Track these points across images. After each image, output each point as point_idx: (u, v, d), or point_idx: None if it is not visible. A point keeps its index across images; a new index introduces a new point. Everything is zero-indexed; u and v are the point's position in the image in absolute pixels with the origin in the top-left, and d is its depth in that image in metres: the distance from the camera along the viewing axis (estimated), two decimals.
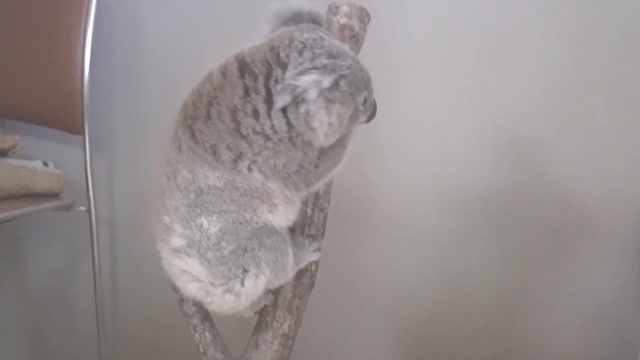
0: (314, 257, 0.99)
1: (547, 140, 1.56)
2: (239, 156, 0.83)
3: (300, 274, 0.98)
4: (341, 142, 0.90)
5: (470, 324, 1.66)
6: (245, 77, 0.81)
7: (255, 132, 0.81)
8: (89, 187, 1.66)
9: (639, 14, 1.49)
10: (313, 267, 1.00)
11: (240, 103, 0.81)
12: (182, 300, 0.97)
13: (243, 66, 0.82)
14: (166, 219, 0.87)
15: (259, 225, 0.87)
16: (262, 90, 0.80)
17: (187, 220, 0.86)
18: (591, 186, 1.55)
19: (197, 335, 1.00)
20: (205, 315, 1.00)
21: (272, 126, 0.81)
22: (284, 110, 0.80)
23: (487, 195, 1.61)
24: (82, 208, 1.66)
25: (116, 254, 1.80)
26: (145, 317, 1.81)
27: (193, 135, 0.84)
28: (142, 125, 1.75)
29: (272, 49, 0.81)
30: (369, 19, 0.99)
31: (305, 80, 0.77)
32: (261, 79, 0.80)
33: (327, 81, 0.78)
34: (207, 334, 1.00)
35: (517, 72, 1.57)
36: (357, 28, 0.97)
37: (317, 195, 0.98)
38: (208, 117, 0.83)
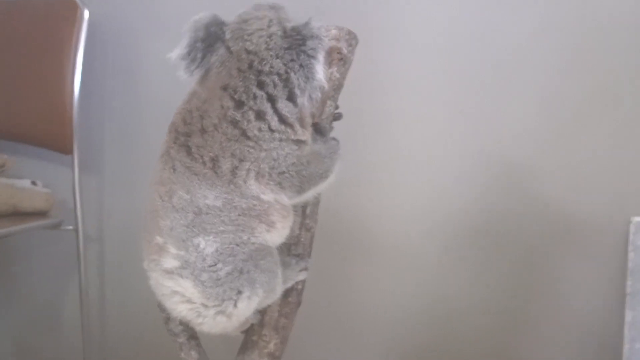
0: (300, 276, 1.00)
1: (534, 166, 1.58)
2: (241, 161, 0.84)
3: (286, 293, 0.99)
4: (329, 153, 0.92)
5: (461, 345, 1.66)
6: (229, 89, 0.84)
7: (261, 130, 0.85)
8: (76, 206, 1.66)
9: (631, 43, 1.52)
10: (300, 286, 1.01)
11: (239, 114, 0.84)
12: (168, 319, 0.97)
13: (223, 83, 0.85)
14: (159, 240, 0.88)
15: (255, 247, 0.88)
16: (261, 93, 0.85)
17: (183, 241, 0.86)
18: (577, 209, 1.57)
19: (183, 354, 1.00)
20: (192, 334, 1.00)
21: (281, 117, 0.86)
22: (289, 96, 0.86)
23: (477, 220, 1.61)
24: (70, 227, 1.66)
25: (104, 272, 1.80)
26: (132, 336, 1.80)
27: (189, 152, 0.86)
28: (131, 145, 1.75)
29: (250, 65, 0.85)
30: (356, 43, 1.01)
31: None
32: (253, 85, 0.84)
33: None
34: (193, 352, 0.99)
35: (506, 100, 1.58)
36: (344, 51, 0.99)
37: (304, 215, 0.99)
38: (204, 130, 0.85)
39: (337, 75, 0.99)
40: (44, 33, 1.63)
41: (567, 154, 1.56)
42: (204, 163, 0.85)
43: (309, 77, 0.86)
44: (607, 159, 1.55)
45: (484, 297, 1.64)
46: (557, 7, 1.54)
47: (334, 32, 0.99)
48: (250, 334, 1.02)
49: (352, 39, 1.00)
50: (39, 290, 1.84)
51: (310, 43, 0.85)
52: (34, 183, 1.64)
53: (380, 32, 1.59)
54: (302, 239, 1.00)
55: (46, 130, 1.63)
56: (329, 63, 0.95)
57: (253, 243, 0.88)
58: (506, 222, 1.60)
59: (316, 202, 1.00)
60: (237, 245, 0.87)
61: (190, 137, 0.86)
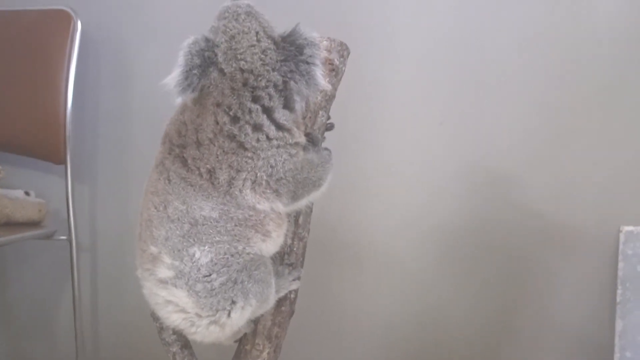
0: (293, 285, 1.00)
1: (524, 175, 1.59)
2: (238, 172, 0.85)
3: (279, 303, 0.99)
4: (322, 162, 0.93)
5: (451, 353, 1.67)
6: (223, 106, 0.85)
7: (259, 141, 0.85)
8: (70, 216, 1.66)
9: (622, 51, 1.54)
10: (292, 296, 1.01)
11: (236, 128, 0.85)
12: (161, 328, 0.97)
13: (215, 101, 0.86)
14: (153, 249, 0.88)
15: (249, 257, 0.88)
16: (256, 107, 0.85)
17: (178, 251, 0.86)
18: (567, 218, 1.58)
19: None
20: (185, 343, 1.00)
21: (278, 125, 0.87)
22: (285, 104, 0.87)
23: (467, 228, 1.62)
24: (63, 237, 1.66)
25: (97, 281, 1.79)
26: (126, 345, 1.79)
27: (184, 164, 0.87)
28: (123, 155, 1.76)
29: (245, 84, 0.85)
30: (348, 54, 1.03)
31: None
32: (248, 100, 0.85)
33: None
34: None
35: (496, 110, 1.60)
36: (336, 62, 1.00)
37: (296, 225, 1.00)
38: (199, 143, 0.86)
39: (329, 86, 1.00)
40: (38, 43, 1.64)
41: (557, 163, 1.58)
42: (201, 175, 0.86)
43: (310, 83, 0.87)
44: (597, 168, 1.56)
45: (474, 305, 1.64)
46: (549, 16, 1.56)
47: (325, 43, 1.00)
48: (244, 343, 1.02)
49: (343, 50, 1.02)
50: (32, 299, 1.83)
51: (307, 51, 0.86)
52: (27, 193, 1.64)
53: (370, 43, 1.61)
54: (295, 249, 1.01)
55: (39, 140, 1.63)
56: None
57: (248, 253, 0.88)
58: (496, 231, 1.61)
59: (308, 211, 1.01)
60: (232, 255, 0.87)
61: (185, 149, 0.87)
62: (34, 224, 1.63)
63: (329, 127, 1.02)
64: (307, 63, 0.86)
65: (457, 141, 1.61)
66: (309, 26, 0.90)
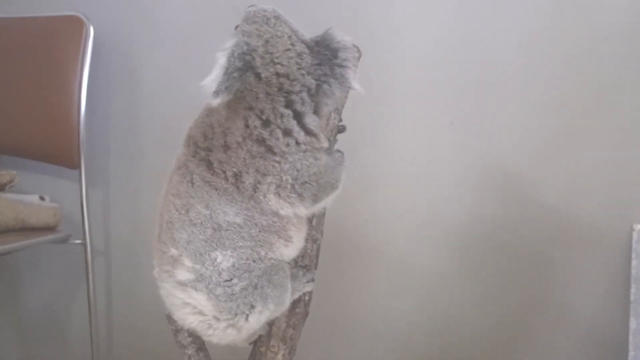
0: (307, 287, 1.01)
1: (536, 173, 1.58)
2: (264, 176, 0.85)
3: (294, 305, 0.99)
4: (336, 164, 0.94)
5: (464, 353, 1.66)
6: (255, 110, 0.85)
7: (289, 145, 0.86)
8: (84, 220, 1.67)
9: (630, 47, 1.53)
10: (307, 297, 1.01)
11: (267, 132, 0.85)
12: (177, 331, 0.98)
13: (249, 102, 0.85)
14: (174, 252, 0.88)
15: (271, 262, 0.89)
16: (288, 112, 0.85)
17: (200, 254, 0.87)
18: (579, 217, 1.57)
19: None
20: (200, 345, 1.00)
21: (307, 131, 0.87)
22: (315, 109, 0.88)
23: (479, 228, 1.62)
24: (78, 241, 1.67)
25: (111, 285, 1.81)
26: (140, 348, 1.80)
27: (210, 167, 0.87)
28: (135, 159, 1.77)
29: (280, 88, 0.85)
30: (360, 56, 1.02)
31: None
32: (281, 105, 0.85)
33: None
34: None
35: (506, 107, 1.59)
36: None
37: (310, 227, 1.00)
38: (227, 147, 0.86)
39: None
40: (51, 49, 1.65)
41: (568, 161, 1.57)
42: (226, 178, 0.86)
43: (344, 85, 0.87)
44: (608, 167, 1.55)
45: (486, 304, 1.64)
46: (553, 14, 1.56)
47: None
48: (259, 345, 1.02)
49: (355, 51, 1.02)
50: (47, 303, 1.85)
51: (341, 54, 0.87)
52: (42, 198, 1.66)
53: (377, 44, 1.61)
54: (309, 251, 1.01)
55: (53, 145, 1.65)
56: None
57: (270, 259, 0.89)
58: (507, 230, 1.61)
59: (321, 213, 1.01)
60: (254, 261, 0.88)
61: (211, 152, 0.87)
62: (48, 229, 1.65)
63: (341, 129, 1.03)
64: (342, 66, 0.86)
65: (467, 140, 1.61)
66: (316, 28, 0.91)
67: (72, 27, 1.64)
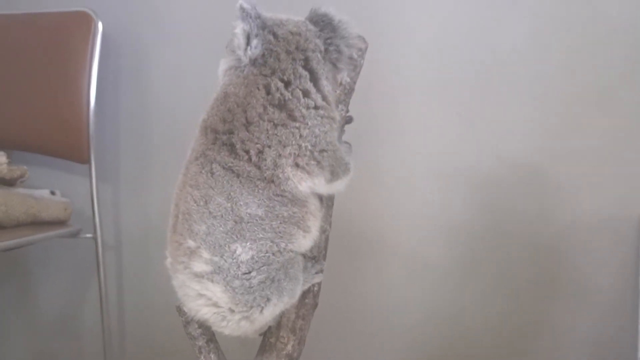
0: (316, 279, 1.01)
1: (542, 167, 1.58)
2: (284, 147, 0.86)
3: (303, 295, 1.00)
4: (346, 151, 0.96)
5: (475, 348, 1.67)
6: (277, 72, 0.88)
7: (308, 108, 0.87)
8: (95, 214, 1.69)
9: (633, 40, 1.53)
10: (316, 288, 1.02)
11: (289, 93, 0.87)
12: (187, 322, 0.98)
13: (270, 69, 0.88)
14: (191, 243, 0.88)
15: (289, 255, 0.90)
16: (305, 73, 0.89)
17: (220, 246, 0.87)
18: (586, 208, 1.57)
19: (202, 357, 1.01)
20: (211, 337, 1.01)
21: (323, 95, 0.90)
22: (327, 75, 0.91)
23: (487, 220, 1.62)
24: (89, 235, 1.69)
25: (122, 279, 1.82)
26: (152, 342, 1.82)
27: (232, 150, 0.87)
28: (144, 154, 1.79)
29: (297, 47, 0.89)
30: (366, 47, 1.03)
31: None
32: (300, 65, 0.89)
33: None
34: (212, 355, 1.00)
35: (511, 101, 1.59)
36: (355, 55, 1.00)
37: None
38: (248, 123, 0.87)
39: (348, 80, 1.00)
40: (60, 45, 1.66)
41: (573, 153, 1.57)
42: (249, 158, 0.86)
43: (350, 43, 0.93)
44: (614, 158, 1.55)
45: (496, 298, 1.64)
46: (560, 7, 1.55)
47: None
48: (268, 336, 1.03)
49: (361, 44, 1.02)
50: (59, 297, 1.87)
51: (337, 18, 0.93)
52: (52, 193, 1.67)
53: (385, 36, 1.61)
54: (318, 242, 1.02)
55: (64, 141, 1.66)
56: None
57: (289, 251, 0.89)
58: (517, 222, 1.61)
59: (330, 204, 1.01)
60: (273, 254, 0.88)
61: (233, 134, 0.87)
62: (59, 223, 1.65)
63: (348, 120, 1.03)
64: (343, 28, 0.92)
65: (475, 133, 1.61)
66: None
67: (81, 23, 1.64)
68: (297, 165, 0.87)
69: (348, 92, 1.01)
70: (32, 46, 1.69)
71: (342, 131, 1.01)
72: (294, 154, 0.86)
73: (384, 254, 1.68)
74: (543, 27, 1.56)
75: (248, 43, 0.87)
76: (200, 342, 1.01)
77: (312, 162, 0.87)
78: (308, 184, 0.88)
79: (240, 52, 0.88)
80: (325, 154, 0.88)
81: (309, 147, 0.87)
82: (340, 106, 1.00)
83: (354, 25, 0.95)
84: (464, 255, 1.65)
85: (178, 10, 1.73)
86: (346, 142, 0.99)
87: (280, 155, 0.86)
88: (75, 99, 1.64)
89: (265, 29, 0.88)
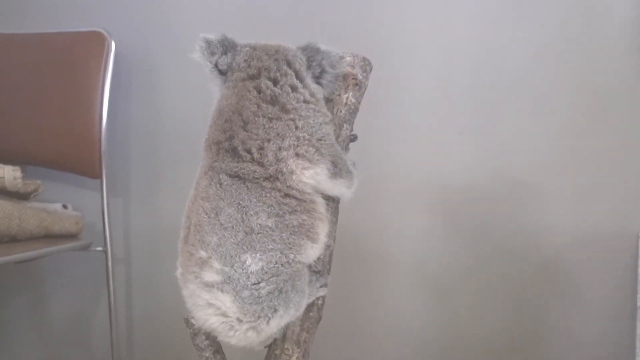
0: (321, 292, 1.02)
1: (541, 181, 1.60)
2: (283, 140, 0.89)
3: (308, 309, 1.01)
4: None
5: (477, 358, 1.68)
6: (263, 72, 0.93)
7: (298, 101, 0.91)
8: (105, 228, 1.71)
9: (631, 67, 1.55)
10: (320, 302, 1.03)
11: (278, 88, 0.92)
12: (195, 334, 0.99)
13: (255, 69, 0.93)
14: (203, 254, 0.90)
15: (297, 267, 0.91)
16: (290, 72, 0.93)
17: (231, 257, 0.88)
18: (586, 225, 1.58)
19: None
20: (217, 348, 1.02)
21: (310, 91, 0.94)
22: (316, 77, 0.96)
23: (488, 234, 1.64)
24: (99, 248, 1.71)
25: (131, 291, 1.84)
26: (159, 352, 1.83)
27: (235, 154, 0.90)
28: (154, 169, 1.81)
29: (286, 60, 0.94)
30: (370, 68, 1.06)
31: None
32: (283, 64, 0.94)
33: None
34: None
35: (514, 118, 1.62)
36: (360, 77, 1.03)
37: None
38: (245, 123, 0.90)
39: (353, 100, 1.03)
40: (74, 64, 1.69)
41: (573, 170, 1.59)
42: (252, 157, 0.89)
43: (334, 64, 0.98)
44: (613, 174, 1.57)
45: (496, 311, 1.66)
46: (562, 27, 1.58)
47: (348, 59, 1.03)
48: (274, 348, 1.04)
49: (366, 65, 1.05)
50: (69, 308, 1.89)
51: (322, 47, 0.98)
52: (64, 206, 1.70)
53: (389, 55, 1.65)
54: (322, 256, 1.02)
55: (76, 156, 1.69)
56: (345, 88, 1.01)
57: (297, 262, 0.91)
58: (517, 238, 1.63)
59: (334, 220, 1.03)
60: (282, 265, 0.89)
61: (233, 139, 0.90)
62: (71, 236, 1.68)
63: (352, 138, 1.05)
64: (327, 51, 0.97)
65: (476, 150, 1.64)
66: (329, 41, 0.98)
67: (94, 42, 1.68)
68: (297, 155, 0.90)
69: (352, 111, 1.04)
70: (47, 65, 1.72)
71: (346, 150, 1.04)
72: (294, 145, 0.90)
73: (388, 268, 1.70)
74: (545, 50, 1.59)
75: (213, 53, 0.96)
76: (207, 354, 1.01)
77: (311, 149, 0.90)
78: (310, 172, 0.91)
79: (207, 60, 0.98)
80: (323, 142, 0.92)
81: (306, 137, 0.90)
82: (345, 125, 1.03)
83: (341, 55, 1.00)
84: (466, 269, 1.66)
85: (189, 28, 1.75)
86: (351, 160, 1.02)
87: (280, 148, 0.89)
88: (88, 116, 1.67)
89: (238, 46, 0.96)
